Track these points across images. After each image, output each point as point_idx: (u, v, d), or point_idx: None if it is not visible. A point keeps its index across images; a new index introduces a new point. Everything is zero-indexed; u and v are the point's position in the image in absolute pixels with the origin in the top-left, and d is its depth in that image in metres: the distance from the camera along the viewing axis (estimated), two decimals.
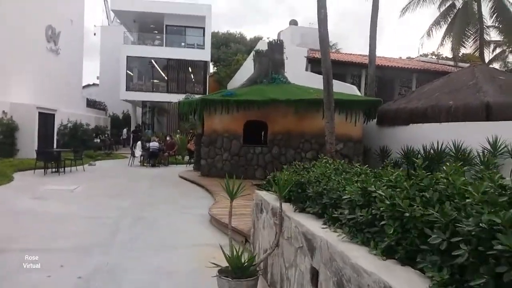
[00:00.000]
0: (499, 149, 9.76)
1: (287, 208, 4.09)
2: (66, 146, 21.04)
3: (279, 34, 28.01)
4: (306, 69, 20.86)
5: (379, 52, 19.38)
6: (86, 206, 8.78)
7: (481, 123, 10.48)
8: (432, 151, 11.64)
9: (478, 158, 10.20)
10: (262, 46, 22.94)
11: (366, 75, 22.10)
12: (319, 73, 20.01)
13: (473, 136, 10.54)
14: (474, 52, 22.85)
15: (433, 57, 36.27)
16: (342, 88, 15.80)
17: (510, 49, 30.10)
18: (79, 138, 23.84)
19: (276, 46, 15.06)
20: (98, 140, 27.43)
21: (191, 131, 21.44)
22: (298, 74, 18.50)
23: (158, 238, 6.39)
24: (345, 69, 22.58)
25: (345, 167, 4.61)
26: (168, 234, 6.66)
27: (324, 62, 11.21)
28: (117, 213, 8.06)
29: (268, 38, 14.20)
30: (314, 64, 20.99)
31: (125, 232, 6.70)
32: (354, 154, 12.55)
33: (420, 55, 34.33)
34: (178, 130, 26.02)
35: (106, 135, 30.18)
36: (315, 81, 17.35)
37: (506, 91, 11.32)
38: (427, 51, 38.93)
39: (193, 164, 17.72)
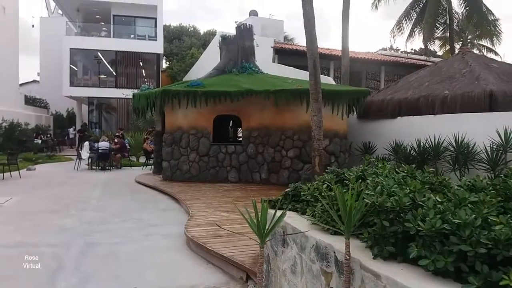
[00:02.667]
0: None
1: (357, 251, 2.38)
2: (1, 148, 18.18)
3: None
4: (273, 61, 19.25)
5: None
6: (17, 228, 6.63)
7: (487, 114, 9.32)
8: (427, 146, 10.43)
9: (485, 153, 9.05)
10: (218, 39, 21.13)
11: (335, 67, 21.01)
12: (288, 64, 18.62)
13: (477, 128, 9.38)
14: (442, 44, 22.30)
15: (392, 51, 36.00)
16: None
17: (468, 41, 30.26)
18: (16, 139, 20.88)
19: (246, 32, 13.31)
20: (39, 141, 24.39)
21: (151, 129, 19.06)
22: (265, 65, 16.80)
23: (120, 280, 4.48)
24: (306, 61, 21.21)
25: (427, 177, 2.98)
26: (134, 272, 4.74)
27: (310, 45, 9.62)
28: (60, 238, 6.01)
29: (236, 22, 12.57)
30: (281, 56, 19.47)
31: (70, 270, 4.71)
32: (340, 151, 11.09)
33: (381, 49, 33.88)
34: (119, 130, 23.08)
35: (49, 135, 27.05)
36: (284, 73, 15.82)
37: (506, 79, 10.28)
38: (386, 45, 38.71)
39: (151, 167, 15.62)
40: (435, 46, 28.67)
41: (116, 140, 17.75)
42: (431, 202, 2.21)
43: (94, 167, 15.72)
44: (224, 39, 13.30)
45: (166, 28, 40.24)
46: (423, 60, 22.75)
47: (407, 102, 11.44)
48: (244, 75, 12.42)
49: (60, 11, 33.30)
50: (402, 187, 2.63)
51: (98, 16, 31.74)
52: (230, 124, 16.51)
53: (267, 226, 2.61)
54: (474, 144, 9.38)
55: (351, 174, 3.22)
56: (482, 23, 20.84)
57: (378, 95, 12.75)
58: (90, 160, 15.95)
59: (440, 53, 29.15)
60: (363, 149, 12.51)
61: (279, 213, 3.62)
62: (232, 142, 14.13)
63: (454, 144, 9.71)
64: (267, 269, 3.68)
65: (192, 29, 48.71)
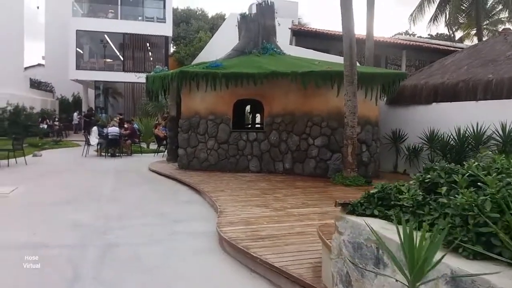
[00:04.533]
0: None
1: None
2: (6, 133, 17.46)
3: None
4: (290, 43, 18.29)
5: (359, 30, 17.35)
6: (25, 224, 5.86)
7: None
8: (467, 134, 9.57)
9: None
10: (232, 19, 20.09)
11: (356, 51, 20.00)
12: (307, 47, 17.66)
13: None
14: (466, 29, 21.23)
15: (408, 36, 34.81)
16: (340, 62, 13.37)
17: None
18: (21, 123, 20.13)
19: (267, 9, 12.34)
20: (45, 126, 23.64)
21: (166, 114, 18.18)
22: (282, 47, 15.92)
23: None
24: (328, 44, 20.21)
25: None
26: (163, 283, 3.96)
27: (346, 23, 8.74)
28: (73, 238, 5.24)
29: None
30: (299, 38, 18.52)
31: (88, 280, 3.93)
32: (372, 139, 10.22)
33: (397, 34, 32.74)
34: (119, 114, 22.05)
35: (56, 120, 26.26)
36: (304, 56, 14.88)
37: None
38: (401, 30, 37.57)
39: (163, 154, 14.86)
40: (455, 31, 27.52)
41: (126, 126, 16.96)
42: None
43: (103, 154, 14.97)
44: (244, 17, 12.36)
45: (174, 11, 39.11)
46: (446, 46, 21.67)
47: (444, 87, 10.54)
48: (266, 56, 11.52)
49: None
50: None
51: None
52: (248, 110, 15.66)
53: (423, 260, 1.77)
54: None
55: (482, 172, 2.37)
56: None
57: (410, 79, 11.83)
58: (99, 146, 15.18)
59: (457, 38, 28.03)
60: (392, 137, 11.70)
61: (365, 220, 2.81)
62: (253, 128, 13.29)
63: (501, 132, 8.85)
64: None
65: (200, 12, 47.54)
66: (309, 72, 9.58)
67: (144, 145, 18.04)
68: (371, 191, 2.92)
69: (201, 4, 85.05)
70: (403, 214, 2.63)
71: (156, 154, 15.43)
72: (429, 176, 2.66)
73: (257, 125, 14.60)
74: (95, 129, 16.31)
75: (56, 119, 26.07)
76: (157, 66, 12.63)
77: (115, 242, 5.08)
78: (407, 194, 2.62)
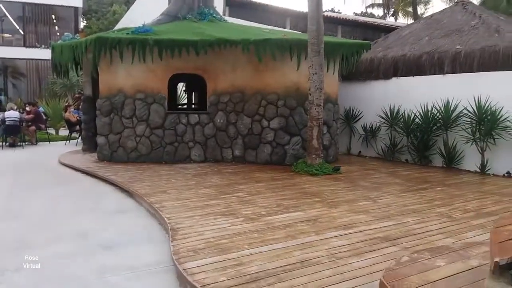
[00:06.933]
0: None
1: None
2: None
3: None
4: (224, 14, 16.39)
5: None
6: None
7: None
8: (435, 111, 8.67)
9: None
10: None
11: (292, 25, 18.81)
12: (244, 18, 15.89)
13: (506, 90, 7.71)
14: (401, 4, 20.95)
15: (334, 13, 34.61)
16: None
17: None
18: None
19: None
20: None
21: (78, 94, 15.28)
22: None
23: None
24: (263, 17, 18.65)
25: None
26: None
27: None
28: None
29: None
30: (233, 9, 16.68)
31: None
32: (333, 120, 8.89)
33: (324, 11, 32.21)
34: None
35: None
36: None
37: None
38: (327, 8, 37.59)
39: (76, 141, 12.42)
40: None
41: (28, 109, 14.02)
42: None
43: (0, 143, 12.09)
44: None
45: None
46: (381, 23, 21.32)
47: (405, 60, 9.53)
48: (205, 23, 9.59)
49: None
50: None
51: None
52: (183, 87, 13.62)
53: None
54: (501, 109, 7.73)
55: None
56: None
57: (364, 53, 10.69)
58: None
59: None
60: (345, 116, 10.57)
61: None
62: (189, 109, 11.37)
63: (475, 109, 7.99)
64: None
65: None
66: (265, 40, 7.86)
67: (52, 131, 15.21)
68: None
69: None
70: None
71: (67, 142, 12.87)
72: None
73: (193, 106, 12.66)
74: None
75: None
76: (65, 34, 10.09)
77: None
78: None
